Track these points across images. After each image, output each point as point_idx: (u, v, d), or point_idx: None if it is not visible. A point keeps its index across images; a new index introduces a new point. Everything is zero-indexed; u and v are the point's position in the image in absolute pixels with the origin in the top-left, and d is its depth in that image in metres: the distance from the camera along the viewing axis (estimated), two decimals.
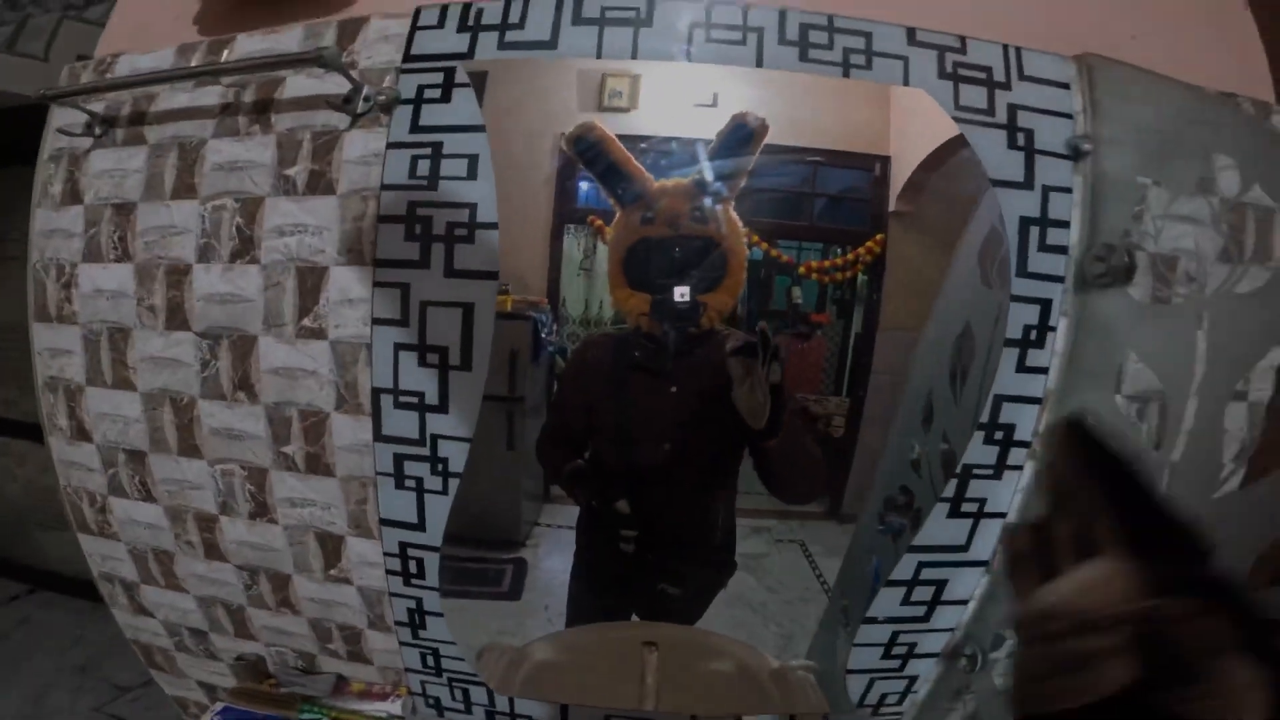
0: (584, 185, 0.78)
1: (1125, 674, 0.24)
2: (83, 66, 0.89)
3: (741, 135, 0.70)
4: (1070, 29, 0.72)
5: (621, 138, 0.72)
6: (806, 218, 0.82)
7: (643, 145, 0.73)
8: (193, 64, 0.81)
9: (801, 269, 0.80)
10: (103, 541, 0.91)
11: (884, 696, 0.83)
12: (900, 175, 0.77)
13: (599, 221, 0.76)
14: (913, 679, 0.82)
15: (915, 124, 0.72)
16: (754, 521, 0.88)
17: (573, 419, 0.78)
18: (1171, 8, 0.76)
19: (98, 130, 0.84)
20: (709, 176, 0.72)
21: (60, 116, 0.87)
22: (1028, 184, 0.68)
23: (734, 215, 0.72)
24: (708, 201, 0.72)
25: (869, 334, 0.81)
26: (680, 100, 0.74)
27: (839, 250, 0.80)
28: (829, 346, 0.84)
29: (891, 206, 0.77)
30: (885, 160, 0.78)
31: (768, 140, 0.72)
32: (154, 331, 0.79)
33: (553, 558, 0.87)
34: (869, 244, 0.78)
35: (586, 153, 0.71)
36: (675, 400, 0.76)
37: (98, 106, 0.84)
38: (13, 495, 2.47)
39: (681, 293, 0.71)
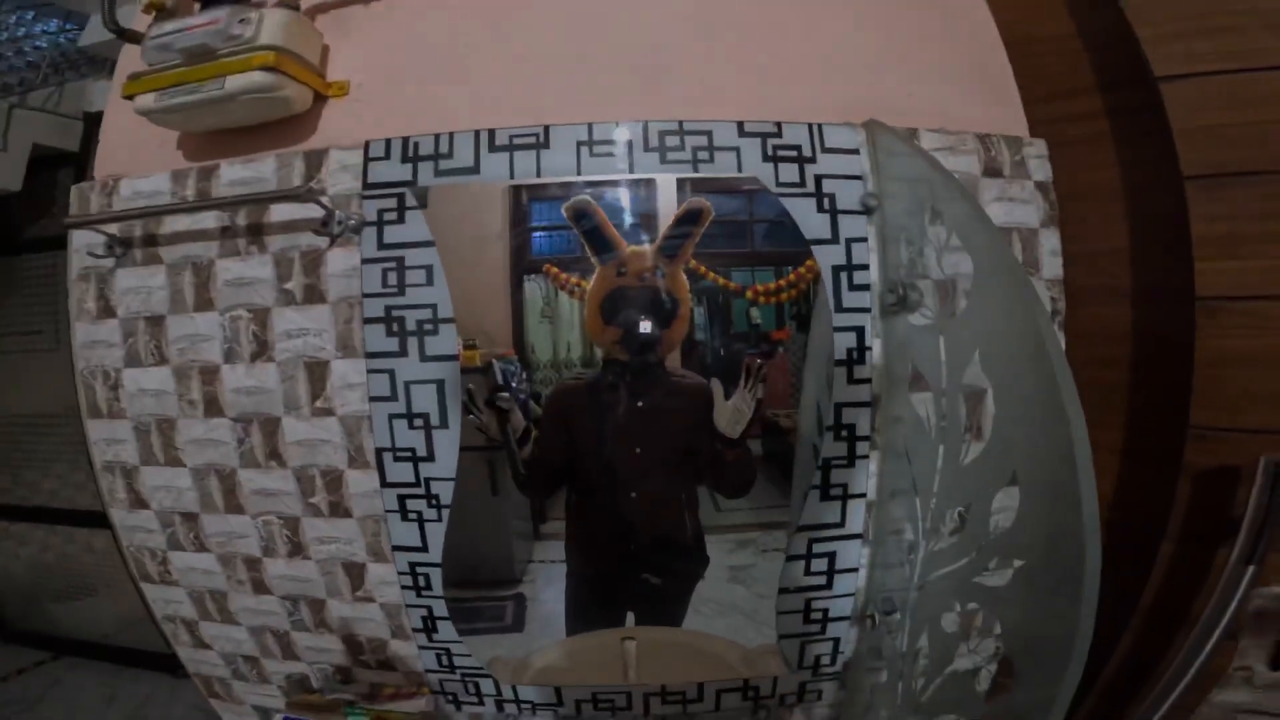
0: (537, 237, 0.98)
1: None
2: (89, 188, 1.13)
3: (692, 216, 0.96)
4: (864, 95, 0.98)
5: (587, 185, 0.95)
6: (749, 244, 1.00)
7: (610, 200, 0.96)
8: (187, 189, 1.07)
9: (749, 293, 0.97)
10: (164, 589, 1.19)
11: (818, 658, 1.09)
12: None
13: (555, 269, 0.98)
14: (836, 641, 1.08)
15: None
16: (739, 535, 1.06)
17: (556, 451, 1.02)
18: (940, 64, 1.02)
19: (118, 251, 1.10)
20: (666, 243, 0.97)
21: (79, 238, 1.11)
22: (835, 239, 0.96)
23: (681, 274, 0.98)
24: (665, 261, 0.97)
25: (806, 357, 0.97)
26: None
27: (786, 270, 0.97)
28: (792, 361, 1.00)
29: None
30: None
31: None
32: (195, 419, 1.07)
33: (548, 590, 1.07)
34: (809, 262, 0.96)
35: (579, 219, 0.96)
36: (643, 412, 1.02)
37: (113, 229, 1.08)
38: (19, 573, 2.67)
39: (645, 327, 0.98)
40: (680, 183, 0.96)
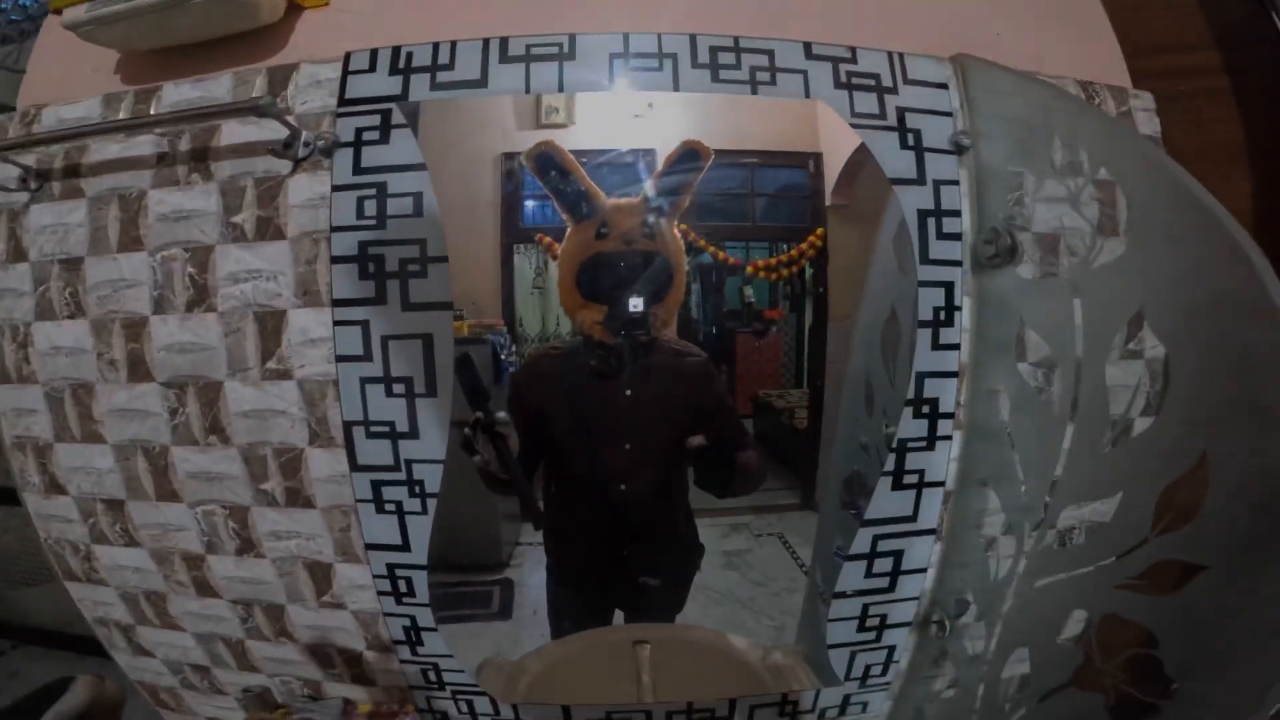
0: (530, 205, 0.85)
1: None
2: (8, 119, 0.91)
3: (691, 159, 0.79)
4: (943, 31, 0.82)
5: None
6: (749, 219, 0.89)
7: (595, 161, 0.80)
8: (120, 114, 0.85)
9: (749, 268, 0.88)
10: (91, 588, 0.97)
11: (868, 668, 0.93)
12: (833, 170, 0.85)
13: (548, 239, 0.83)
14: (891, 649, 0.92)
15: (839, 121, 0.79)
16: (731, 519, 0.96)
17: (528, 429, 0.85)
18: (1030, 6, 0.87)
19: (33, 185, 0.87)
20: (659, 195, 0.80)
21: None
22: (920, 180, 0.78)
23: (676, 233, 0.81)
24: (658, 219, 0.80)
25: (821, 326, 0.89)
26: (617, 112, 0.80)
27: (784, 247, 0.87)
28: (785, 340, 0.92)
29: (828, 201, 0.84)
30: (818, 157, 0.85)
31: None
32: (117, 385, 0.84)
33: (537, 575, 0.94)
34: (811, 239, 0.86)
35: (544, 170, 0.78)
36: (631, 403, 0.85)
37: (30, 160, 0.87)
38: None
39: (635, 303, 0.80)
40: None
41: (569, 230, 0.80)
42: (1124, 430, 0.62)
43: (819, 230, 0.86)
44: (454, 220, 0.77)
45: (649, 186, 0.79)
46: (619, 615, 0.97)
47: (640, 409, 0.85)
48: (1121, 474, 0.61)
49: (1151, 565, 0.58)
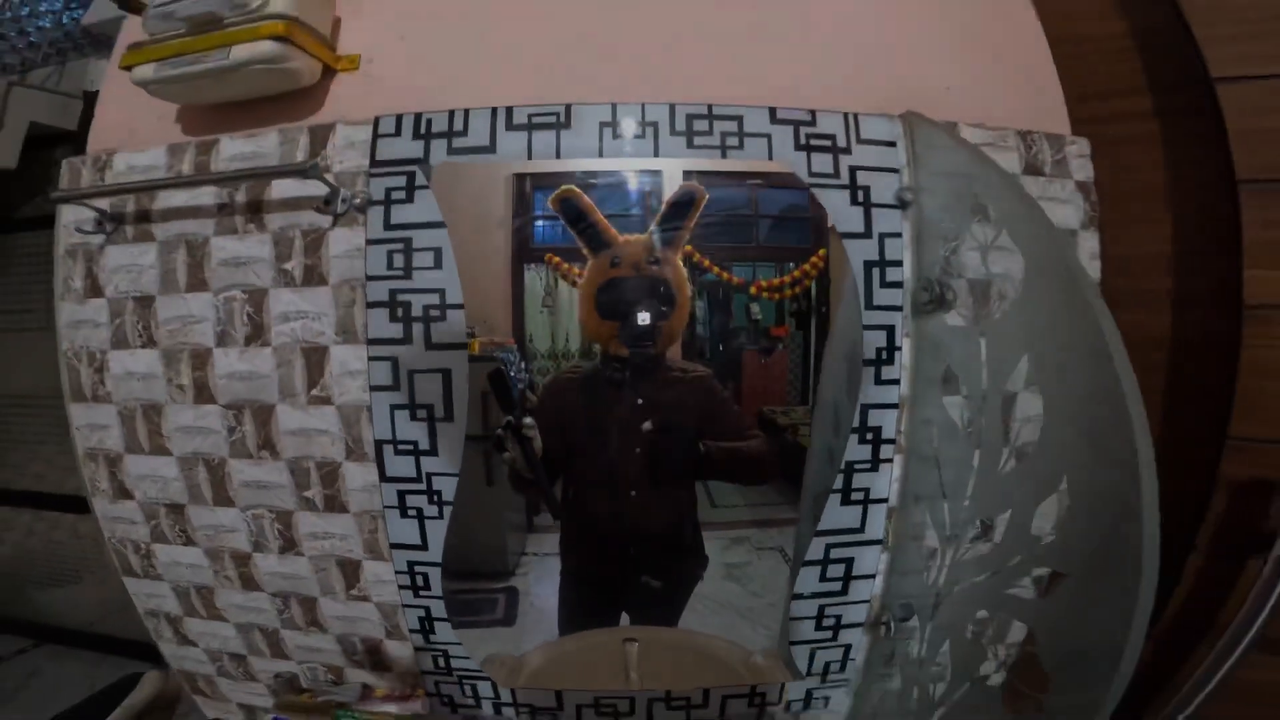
0: (540, 225, 0.93)
1: None
2: (81, 162, 1.04)
3: (687, 201, 0.90)
4: (899, 88, 0.92)
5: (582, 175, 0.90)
6: (754, 239, 0.95)
7: (602, 185, 0.90)
8: (184, 163, 0.99)
9: (753, 289, 0.94)
10: (148, 583, 1.11)
11: (828, 665, 1.03)
12: None
13: (557, 259, 0.92)
14: (848, 647, 1.02)
15: None
16: (734, 533, 1.01)
17: (550, 444, 0.95)
18: (980, 58, 0.96)
19: (108, 228, 1.01)
20: (661, 231, 0.91)
21: (68, 214, 1.03)
22: (868, 233, 0.90)
23: (678, 262, 0.92)
24: (661, 249, 0.92)
25: (825, 344, 0.93)
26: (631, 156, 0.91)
27: (789, 267, 0.92)
28: (791, 358, 0.96)
29: (830, 222, 0.90)
30: None
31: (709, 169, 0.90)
32: (184, 406, 0.98)
33: (542, 584, 1.01)
34: (813, 259, 0.92)
35: (567, 210, 0.90)
36: (642, 409, 0.95)
37: (104, 204, 1.00)
38: (4, 557, 2.56)
39: (642, 319, 0.92)
40: (687, 174, 0.90)
41: (589, 261, 0.91)
42: (1016, 455, 0.74)
43: (821, 251, 0.91)
44: (466, 242, 0.88)
45: (653, 225, 0.90)
46: (625, 620, 1.04)
47: (649, 414, 0.95)
48: (1008, 494, 0.73)
49: (1031, 573, 0.69)
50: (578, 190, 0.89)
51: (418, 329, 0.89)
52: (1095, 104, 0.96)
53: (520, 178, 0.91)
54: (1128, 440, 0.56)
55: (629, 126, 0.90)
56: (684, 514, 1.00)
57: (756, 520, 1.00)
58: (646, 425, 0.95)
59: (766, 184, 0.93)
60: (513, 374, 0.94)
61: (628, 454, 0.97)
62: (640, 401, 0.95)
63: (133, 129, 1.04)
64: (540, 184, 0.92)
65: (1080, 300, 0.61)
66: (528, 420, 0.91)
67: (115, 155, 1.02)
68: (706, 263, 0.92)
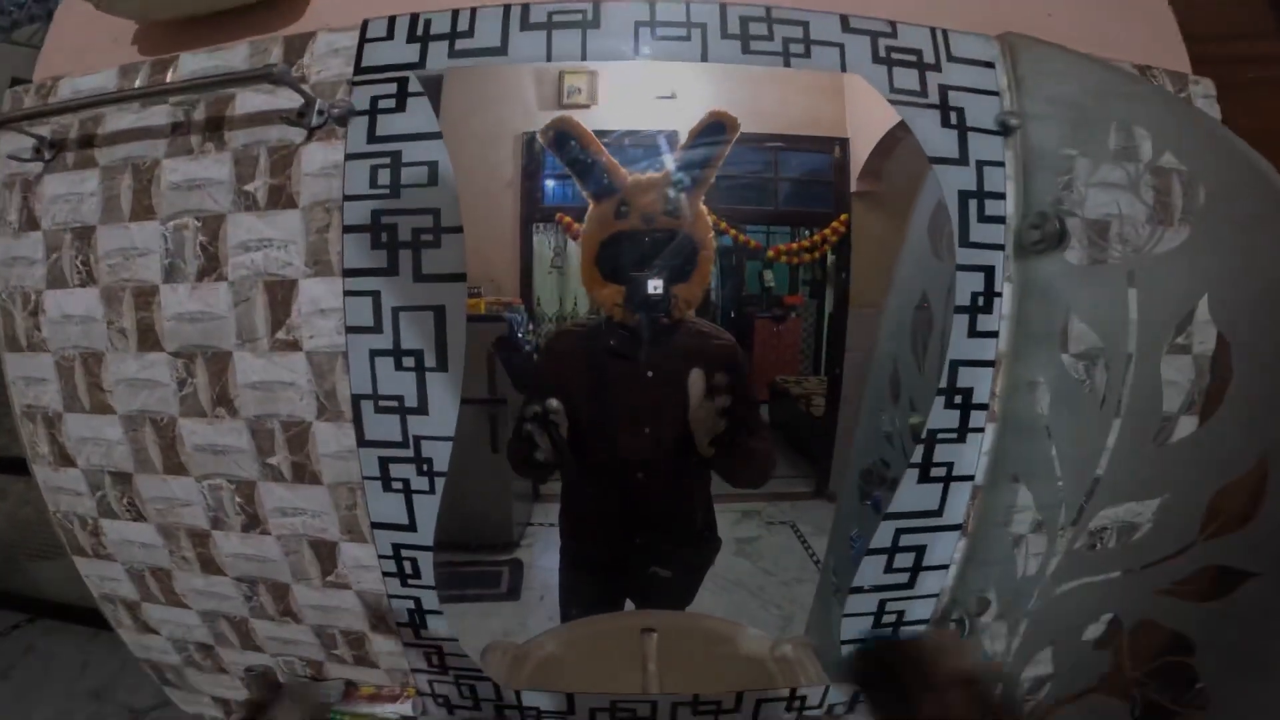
0: (550, 184, 0.82)
1: None
2: (24, 90, 0.89)
3: (717, 132, 0.74)
4: (991, 9, 0.77)
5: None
6: (772, 203, 0.86)
7: (616, 138, 0.77)
8: (136, 84, 0.82)
9: (770, 253, 0.85)
10: (98, 563, 0.95)
11: None
12: (860, 155, 0.82)
13: (568, 219, 0.80)
14: None
15: (870, 103, 0.75)
16: (744, 506, 0.94)
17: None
18: None
19: (47, 155, 0.85)
20: (682, 171, 0.76)
21: (6, 143, 0.87)
22: (963, 160, 0.73)
23: (703, 209, 0.77)
24: (680, 195, 0.76)
25: (841, 312, 0.86)
26: (640, 93, 0.77)
27: (806, 232, 0.84)
28: (804, 327, 0.90)
29: (853, 187, 0.81)
30: (844, 142, 0.82)
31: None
32: (127, 354, 0.82)
33: (547, 556, 0.92)
34: (834, 224, 0.83)
35: (562, 147, 0.75)
36: (652, 386, 0.81)
37: (44, 131, 0.84)
38: None
39: (655, 284, 0.76)
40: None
41: (589, 209, 0.77)
42: (1178, 427, 0.57)
43: (843, 216, 0.82)
44: (473, 199, 0.74)
45: (672, 160, 0.75)
46: (629, 604, 0.94)
47: (661, 392, 0.81)
48: (1168, 475, 0.56)
49: (1196, 570, 0.54)
50: (573, 120, 0.74)
51: (405, 257, 0.71)
52: (1216, 45, 0.83)
53: (530, 135, 0.80)
54: None
55: (670, 28, 0.72)
56: (696, 496, 0.88)
57: (767, 493, 0.93)
58: (649, 374, 0.82)
59: (787, 145, 0.84)
60: (520, 335, 0.81)
61: (635, 432, 0.83)
62: (650, 375, 0.80)
63: (83, 53, 0.87)
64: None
65: None
66: (553, 403, 0.77)
67: (60, 81, 0.86)
68: (723, 225, 0.79)
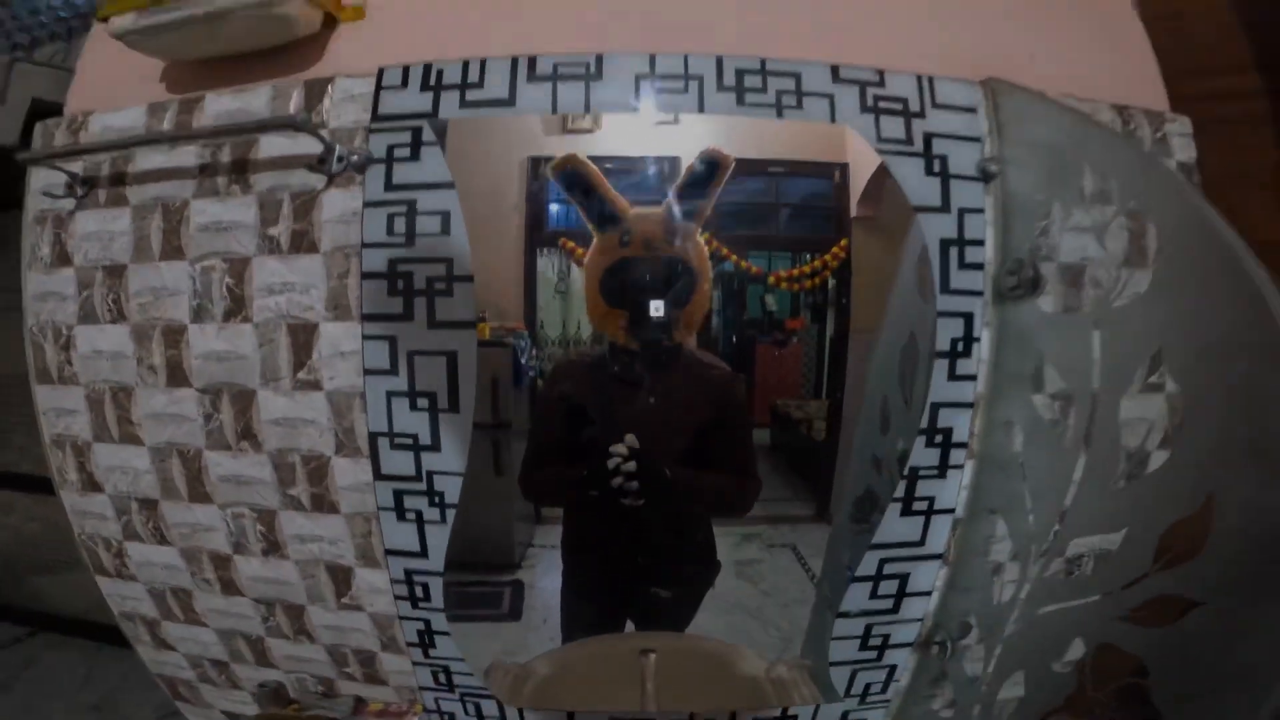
0: (554, 208, 0.85)
1: None
2: (55, 124, 0.94)
3: (711, 169, 0.79)
4: (974, 54, 0.82)
5: (590, 158, 0.80)
6: (773, 228, 0.89)
7: (618, 165, 0.81)
8: (165, 123, 0.88)
9: (771, 279, 0.88)
10: (121, 583, 1.00)
11: (868, 686, 0.93)
12: (859, 181, 0.84)
13: (571, 243, 0.84)
14: (892, 668, 0.92)
15: None
16: (745, 529, 0.95)
17: (555, 432, 0.87)
18: (1066, 27, 0.85)
19: (79, 191, 0.91)
20: (681, 203, 0.81)
21: (40, 178, 0.93)
22: (945, 207, 0.78)
23: (700, 240, 0.81)
24: (679, 225, 0.81)
25: (842, 337, 0.88)
26: (642, 119, 0.81)
27: (808, 257, 0.87)
28: (806, 351, 0.92)
29: (853, 212, 0.84)
30: (844, 167, 0.85)
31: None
32: (156, 389, 0.88)
33: (549, 577, 0.94)
34: (835, 249, 0.85)
35: (569, 180, 0.80)
36: (654, 410, 0.85)
37: (76, 167, 0.90)
38: (3, 543, 2.53)
39: (656, 308, 0.81)
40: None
41: (594, 239, 0.81)
42: (1138, 465, 0.63)
43: (843, 241, 0.85)
44: (478, 224, 0.79)
45: (671, 190, 0.80)
46: (629, 626, 0.97)
47: (663, 417, 0.85)
48: (1129, 510, 0.61)
49: (1150, 599, 0.59)
50: (581, 157, 0.79)
51: (419, 304, 0.77)
52: (1195, 80, 0.87)
53: (535, 160, 0.83)
54: None
55: (670, 81, 0.78)
56: (696, 518, 0.92)
57: (768, 516, 0.94)
58: (651, 400, 0.86)
59: (788, 171, 0.86)
60: (523, 361, 0.85)
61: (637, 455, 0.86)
62: (652, 400, 0.85)
63: (112, 89, 0.93)
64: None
65: (1236, 285, 0.49)
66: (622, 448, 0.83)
67: (91, 116, 0.91)
68: (725, 251, 0.83)
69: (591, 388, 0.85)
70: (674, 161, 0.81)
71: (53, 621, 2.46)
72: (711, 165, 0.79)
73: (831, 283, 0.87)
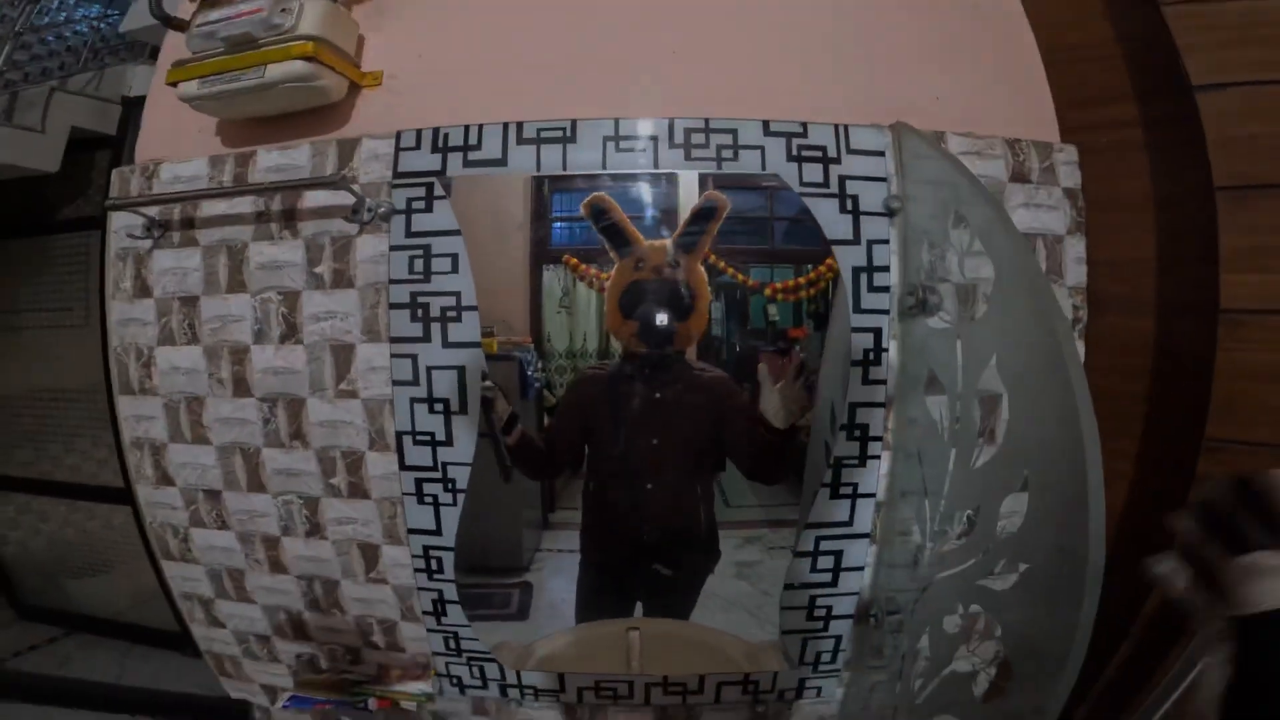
0: (558, 227, 1.00)
1: None
2: (130, 171, 1.16)
3: (709, 211, 0.97)
4: (887, 97, 0.99)
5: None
6: (770, 242, 1.00)
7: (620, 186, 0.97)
8: (224, 174, 1.10)
9: (767, 291, 0.98)
10: (185, 566, 1.21)
11: (819, 655, 1.09)
12: None
13: (574, 260, 0.99)
14: (838, 639, 1.08)
15: None
16: (747, 532, 1.06)
17: (569, 436, 1.04)
18: (971, 68, 1.01)
19: (156, 233, 1.12)
20: (683, 237, 0.98)
21: (118, 219, 1.14)
22: (857, 240, 0.96)
23: (698, 267, 0.98)
24: (682, 255, 0.98)
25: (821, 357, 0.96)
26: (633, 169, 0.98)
27: (807, 269, 0.97)
28: (808, 359, 0.99)
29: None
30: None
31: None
32: (224, 399, 1.09)
33: (556, 579, 1.08)
34: (829, 261, 0.96)
35: (598, 217, 0.98)
36: (660, 404, 1.03)
37: (152, 212, 1.11)
38: (38, 549, 2.71)
39: (662, 319, 0.99)
40: (703, 179, 0.97)
41: (616, 264, 0.98)
42: (984, 451, 0.80)
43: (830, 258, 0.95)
44: (486, 242, 0.96)
45: (675, 232, 0.96)
46: (639, 609, 1.10)
47: (667, 409, 1.02)
48: (980, 488, 0.78)
49: (995, 564, 0.74)
50: (608, 197, 0.96)
51: (435, 328, 0.98)
52: (1085, 111, 1.00)
53: (539, 180, 0.98)
54: (1078, 448, 0.60)
55: (630, 141, 0.97)
56: (699, 508, 1.06)
57: (770, 520, 1.05)
58: (657, 395, 1.00)
59: (780, 185, 0.97)
60: (530, 373, 1.01)
61: (644, 447, 1.04)
62: (658, 397, 1.01)
63: (176, 140, 1.15)
64: (559, 187, 0.99)
65: (1043, 311, 0.67)
66: (486, 384, 0.98)
67: (161, 165, 1.13)
68: (722, 265, 0.97)
69: (607, 389, 1.02)
70: (671, 198, 0.96)
71: (86, 623, 2.63)
72: (710, 207, 0.97)
73: (832, 291, 0.96)
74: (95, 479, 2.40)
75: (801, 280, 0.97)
